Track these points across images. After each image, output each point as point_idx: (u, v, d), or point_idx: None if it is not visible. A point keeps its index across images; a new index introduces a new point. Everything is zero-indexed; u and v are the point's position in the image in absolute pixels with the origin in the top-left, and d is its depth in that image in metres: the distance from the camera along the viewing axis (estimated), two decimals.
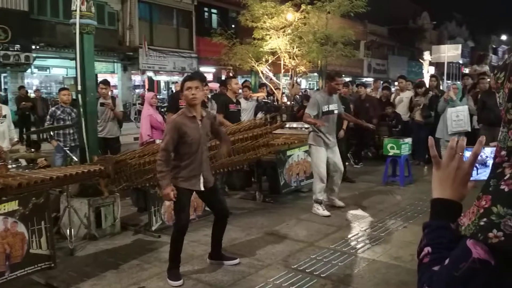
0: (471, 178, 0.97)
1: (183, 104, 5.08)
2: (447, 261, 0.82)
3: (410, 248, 4.37)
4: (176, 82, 8.77)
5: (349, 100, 8.38)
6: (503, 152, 0.82)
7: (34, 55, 16.77)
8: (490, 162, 0.88)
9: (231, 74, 16.47)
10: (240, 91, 8.51)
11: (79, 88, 5.40)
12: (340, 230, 5.07)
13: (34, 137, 10.46)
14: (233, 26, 18.26)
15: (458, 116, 7.61)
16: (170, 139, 3.62)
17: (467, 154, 0.97)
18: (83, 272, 3.92)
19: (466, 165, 0.96)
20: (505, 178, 0.78)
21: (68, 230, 4.33)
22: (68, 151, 5.91)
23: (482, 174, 1.01)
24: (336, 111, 5.70)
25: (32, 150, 6.35)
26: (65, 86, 10.13)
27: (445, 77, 19.14)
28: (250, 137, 5.39)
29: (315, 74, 21.87)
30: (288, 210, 5.92)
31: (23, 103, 13.32)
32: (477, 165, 0.99)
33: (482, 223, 0.77)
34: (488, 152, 1.02)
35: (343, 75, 12.59)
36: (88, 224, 4.68)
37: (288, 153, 6.49)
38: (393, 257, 4.22)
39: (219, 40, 12.54)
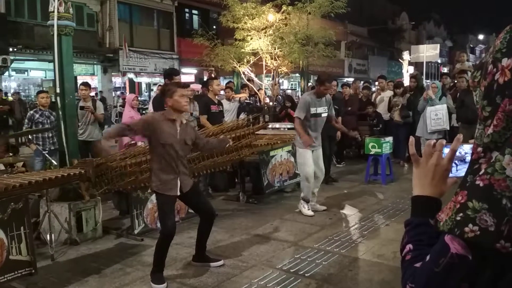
0: (451, 175, 0.99)
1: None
2: (428, 258, 0.83)
3: (392, 245, 4.42)
4: (160, 85, 8.76)
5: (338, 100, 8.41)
6: (479, 149, 0.83)
7: (12, 57, 16.43)
8: (469, 158, 0.89)
9: (213, 75, 16.40)
10: (223, 92, 8.49)
11: (58, 90, 5.31)
12: (323, 229, 5.10)
13: (12, 141, 10.24)
14: (214, 27, 18.21)
15: (437, 114, 7.74)
16: (136, 125, 3.77)
17: (446, 150, 0.98)
18: (65, 278, 3.85)
19: (444, 162, 0.97)
20: (480, 173, 0.79)
21: (48, 235, 4.25)
22: (47, 155, 5.81)
23: (461, 170, 1.03)
24: (324, 114, 5.65)
25: (10, 154, 6.22)
26: (44, 89, 9.97)
27: (424, 77, 19.43)
28: (233, 138, 5.37)
29: (297, 74, 21.99)
30: (272, 210, 5.93)
31: (0, 106, 13.06)
32: (456, 161, 1.01)
33: (458, 218, 0.78)
34: (467, 149, 1.04)
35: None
36: (69, 228, 4.61)
37: (271, 153, 6.50)
38: (376, 255, 4.27)
39: (200, 41, 12.49)
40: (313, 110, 5.51)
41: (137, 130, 3.76)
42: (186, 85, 3.98)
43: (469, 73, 8.39)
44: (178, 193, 3.76)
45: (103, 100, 16.53)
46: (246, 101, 9.56)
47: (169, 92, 3.73)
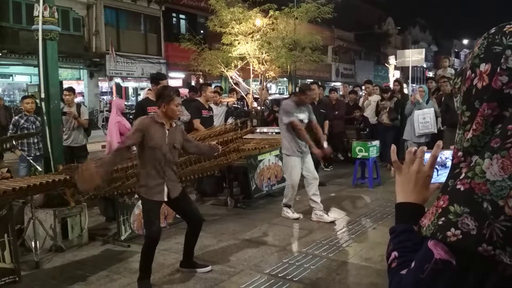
0: (432, 181, 1.00)
1: (150, 111, 5.02)
2: (413, 264, 0.83)
3: (379, 249, 4.44)
4: (149, 89, 8.67)
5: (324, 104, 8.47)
6: (460, 153, 0.84)
7: None
8: (450, 163, 0.90)
9: (201, 80, 16.35)
10: None
11: (43, 95, 5.24)
12: (311, 233, 5.11)
13: None
14: (201, 31, 18.19)
15: (424, 118, 7.82)
16: (131, 138, 3.57)
17: (427, 156, 0.99)
18: (50, 286, 3.80)
19: (426, 168, 0.98)
20: (461, 177, 0.80)
21: (33, 243, 4.19)
22: (32, 161, 5.73)
23: (442, 175, 1.04)
24: (306, 121, 5.64)
25: None
26: (29, 94, 9.84)
27: (410, 81, 19.62)
28: (220, 143, 5.35)
29: (285, 79, 22.06)
30: (260, 215, 5.92)
31: None
32: (437, 167, 1.02)
33: (440, 223, 0.78)
34: (447, 154, 1.05)
35: (314, 80, 12.75)
36: (54, 235, 4.54)
37: (259, 157, 6.50)
38: (363, 259, 4.28)
39: (187, 45, 12.47)
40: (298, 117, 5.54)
41: (134, 144, 3.66)
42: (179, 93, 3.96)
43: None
44: (165, 199, 3.73)
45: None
46: (233, 105, 9.56)
47: (167, 98, 3.66)
